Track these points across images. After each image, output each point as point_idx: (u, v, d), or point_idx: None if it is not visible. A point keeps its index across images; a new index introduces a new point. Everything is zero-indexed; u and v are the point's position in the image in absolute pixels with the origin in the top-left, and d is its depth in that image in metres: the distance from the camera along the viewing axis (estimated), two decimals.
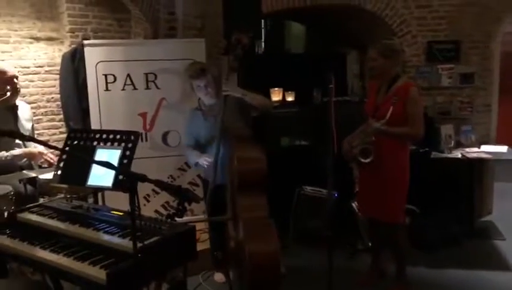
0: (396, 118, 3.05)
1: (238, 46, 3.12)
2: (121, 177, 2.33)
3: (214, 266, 3.64)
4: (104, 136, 2.56)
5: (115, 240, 2.09)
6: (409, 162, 3.21)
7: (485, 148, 4.47)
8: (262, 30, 6.73)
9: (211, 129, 3.26)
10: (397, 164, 3.16)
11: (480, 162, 4.54)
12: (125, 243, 2.03)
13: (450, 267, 3.77)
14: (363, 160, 3.13)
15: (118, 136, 2.53)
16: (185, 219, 3.40)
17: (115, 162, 2.34)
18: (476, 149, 4.48)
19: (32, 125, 3.91)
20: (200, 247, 3.86)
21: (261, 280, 2.67)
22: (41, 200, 3.07)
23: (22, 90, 3.81)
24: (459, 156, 4.34)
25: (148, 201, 4.10)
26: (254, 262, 2.63)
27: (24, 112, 3.79)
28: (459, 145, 4.58)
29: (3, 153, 3.50)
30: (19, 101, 3.76)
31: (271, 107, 3.58)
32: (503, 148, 4.42)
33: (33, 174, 3.32)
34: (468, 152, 4.39)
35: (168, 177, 4.13)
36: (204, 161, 3.22)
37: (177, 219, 2.46)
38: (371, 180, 3.27)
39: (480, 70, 4.78)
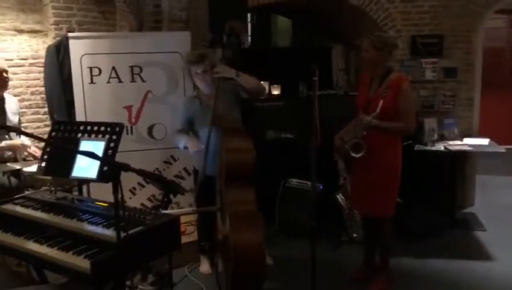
0: (387, 111, 3.03)
1: (233, 34, 3.11)
2: (105, 168, 2.34)
3: (201, 255, 3.67)
4: (89, 128, 2.57)
5: (98, 230, 2.10)
6: (401, 157, 3.20)
7: (467, 141, 4.54)
8: (249, 24, 6.74)
9: (205, 117, 3.24)
10: (389, 159, 3.16)
11: (462, 154, 4.62)
12: (109, 233, 2.04)
13: (431, 257, 3.84)
14: (354, 155, 3.11)
15: (103, 128, 2.53)
16: (172, 211, 3.44)
17: (100, 154, 2.35)
18: (458, 142, 4.55)
19: (19, 118, 3.90)
20: (186, 239, 3.91)
21: (246, 272, 2.70)
22: (26, 193, 3.06)
23: None
24: (442, 148, 4.40)
25: (134, 194, 4.10)
26: (239, 254, 2.66)
27: (11, 105, 3.77)
28: (442, 138, 4.64)
29: None
30: (6, 94, 3.74)
31: (263, 91, 3.57)
32: (485, 141, 4.49)
33: (17, 167, 3.31)
34: (450, 145, 4.46)
35: (154, 170, 4.12)
36: (194, 146, 3.21)
37: (163, 211, 2.49)
38: (362, 175, 3.26)
39: (463, 65, 4.83)
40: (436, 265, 3.71)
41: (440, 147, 4.44)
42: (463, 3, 4.73)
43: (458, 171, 4.74)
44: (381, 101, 3.02)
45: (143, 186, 4.09)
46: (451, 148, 4.39)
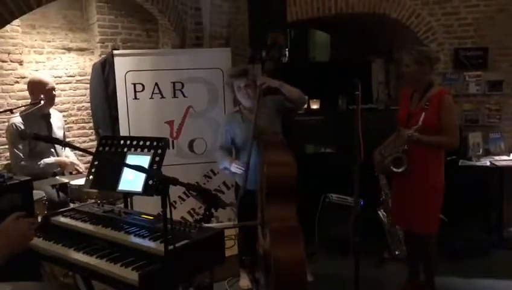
0: (429, 125, 2.96)
1: (275, 47, 3.12)
2: (151, 181, 2.40)
3: (241, 269, 3.66)
4: (134, 142, 2.64)
5: (145, 243, 2.13)
6: (443, 172, 3.12)
7: None
8: (287, 39, 6.77)
9: (247, 131, 3.25)
10: (431, 174, 3.07)
11: (510, 170, 4.46)
12: (156, 245, 2.07)
13: (477, 276, 3.70)
14: (395, 169, 3.05)
15: (148, 143, 2.60)
16: (212, 225, 3.46)
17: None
18: (505, 157, 4.41)
19: (64, 133, 4.04)
20: (225, 253, 3.92)
21: (286, 288, 2.67)
22: (71, 206, 3.15)
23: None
24: (488, 164, 4.27)
25: (174, 208, 4.14)
26: (279, 270, 2.62)
27: (56, 120, 3.92)
28: (487, 153, 4.51)
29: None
30: (52, 110, 3.89)
31: (305, 101, 3.59)
32: None
33: (65, 180, 3.43)
34: (497, 160, 4.33)
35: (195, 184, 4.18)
36: (236, 168, 3.26)
37: (204, 224, 2.51)
38: (403, 190, 3.18)
39: (509, 78, 4.71)
40: (482, 285, 3.57)
41: (486, 162, 4.31)
42: (509, 14, 4.61)
43: (505, 187, 4.57)
44: (423, 114, 2.96)
45: (183, 200, 4.15)
46: (497, 163, 4.25)
